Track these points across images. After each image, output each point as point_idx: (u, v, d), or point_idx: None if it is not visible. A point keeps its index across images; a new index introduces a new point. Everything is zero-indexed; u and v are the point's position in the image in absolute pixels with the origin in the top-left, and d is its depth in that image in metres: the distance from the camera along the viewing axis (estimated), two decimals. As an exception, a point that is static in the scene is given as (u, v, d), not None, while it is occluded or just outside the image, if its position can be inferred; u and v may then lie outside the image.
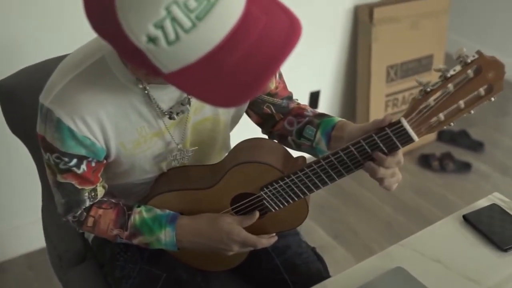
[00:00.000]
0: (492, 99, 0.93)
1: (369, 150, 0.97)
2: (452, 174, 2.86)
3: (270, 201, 1.10)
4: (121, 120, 1.02)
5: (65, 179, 1.05)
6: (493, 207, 1.27)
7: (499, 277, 1.11)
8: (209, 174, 1.14)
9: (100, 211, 1.13)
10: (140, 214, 1.12)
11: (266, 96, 1.21)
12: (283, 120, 1.25)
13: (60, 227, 1.35)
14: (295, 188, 1.06)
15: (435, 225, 1.24)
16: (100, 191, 1.12)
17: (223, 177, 1.08)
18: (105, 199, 1.15)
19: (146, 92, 1.01)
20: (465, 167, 2.89)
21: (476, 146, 3.05)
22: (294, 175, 1.04)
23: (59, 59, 1.09)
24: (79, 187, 1.07)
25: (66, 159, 1.01)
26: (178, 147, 1.12)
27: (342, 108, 2.93)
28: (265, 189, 1.08)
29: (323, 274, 1.28)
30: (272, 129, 1.27)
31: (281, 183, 1.06)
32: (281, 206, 1.10)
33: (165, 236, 1.10)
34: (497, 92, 0.92)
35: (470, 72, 0.89)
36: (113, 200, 1.15)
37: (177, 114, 1.06)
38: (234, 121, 1.22)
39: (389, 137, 0.95)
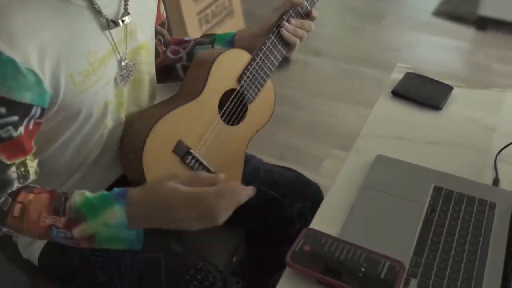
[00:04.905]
0: None
1: (308, 7, 1.19)
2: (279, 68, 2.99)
3: (250, 90, 1.15)
4: (67, 44, 0.89)
5: None
6: (409, 75, 1.36)
7: (447, 131, 1.22)
8: (185, 92, 1.13)
9: (31, 196, 0.90)
10: (82, 195, 0.90)
11: (159, 27, 1.19)
12: (163, 53, 1.25)
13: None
14: (264, 67, 1.16)
15: (375, 107, 1.29)
16: (31, 167, 0.92)
17: (207, 79, 1.09)
18: (37, 185, 0.94)
19: None
20: (285, 60, 3.04)
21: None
22: (261, 52, 1.14)
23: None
24: (8, 162, 0.88)
25: (3, 111, 0.84)
26: (123, 64, 1.01)
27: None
28: (243, 76, 1.13)
29: (302, 178, 1.30)
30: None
31: (254, 64, 1.13)
32: (257, 91, 1.17)
33: (115, 216, 0.86)
34: None
35: None
36: (48, 188, 0.94)
37: (122, 21, 0.98)
38: None
39: None
